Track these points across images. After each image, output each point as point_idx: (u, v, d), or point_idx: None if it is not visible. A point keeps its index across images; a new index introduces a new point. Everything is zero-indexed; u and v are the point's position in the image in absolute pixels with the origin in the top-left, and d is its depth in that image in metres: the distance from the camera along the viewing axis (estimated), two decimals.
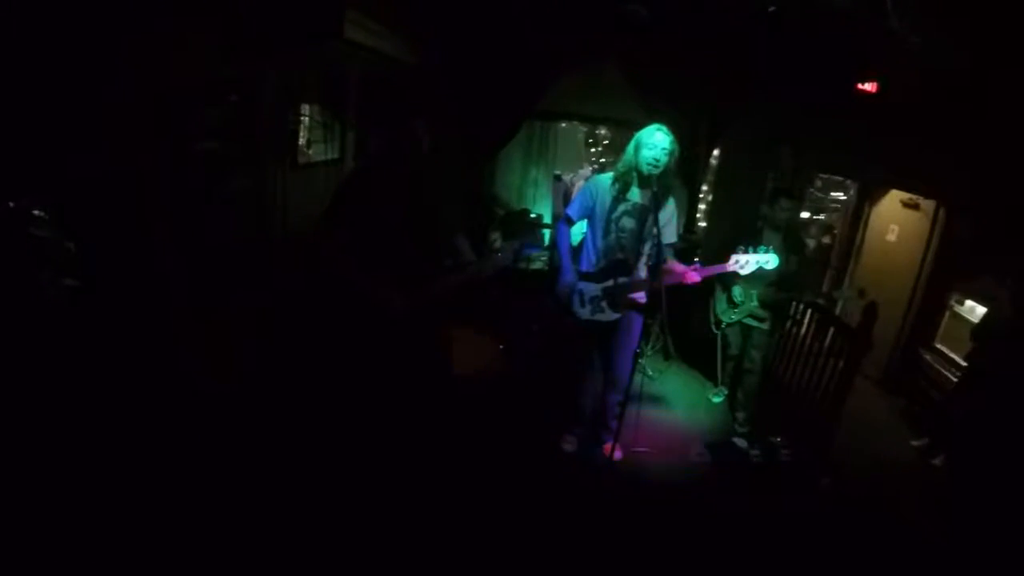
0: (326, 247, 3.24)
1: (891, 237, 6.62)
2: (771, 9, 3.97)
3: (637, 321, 3.87)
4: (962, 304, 5.61)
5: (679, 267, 3.76)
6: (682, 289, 3.85)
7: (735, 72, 5.86)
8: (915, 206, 6.26)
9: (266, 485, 3.37)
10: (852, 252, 7.24)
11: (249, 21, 3.15)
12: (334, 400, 3.65)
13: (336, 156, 4.52)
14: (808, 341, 5.17)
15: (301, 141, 3.99)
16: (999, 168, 4.86)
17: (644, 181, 3.72)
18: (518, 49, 5.94)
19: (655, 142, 3.63)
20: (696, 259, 3.79)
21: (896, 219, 6.57)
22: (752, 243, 3.84)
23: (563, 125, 8.55)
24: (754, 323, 4.84)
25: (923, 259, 6.00)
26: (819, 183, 8.62)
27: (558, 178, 8.29)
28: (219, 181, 3.15)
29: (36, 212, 1.99)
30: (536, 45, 5.91)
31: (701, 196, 7.27)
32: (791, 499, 4.19)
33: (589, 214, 3.93)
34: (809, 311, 5.29)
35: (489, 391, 5.08)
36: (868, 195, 7.07)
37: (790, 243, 4.68)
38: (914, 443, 5.11)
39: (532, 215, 7.46)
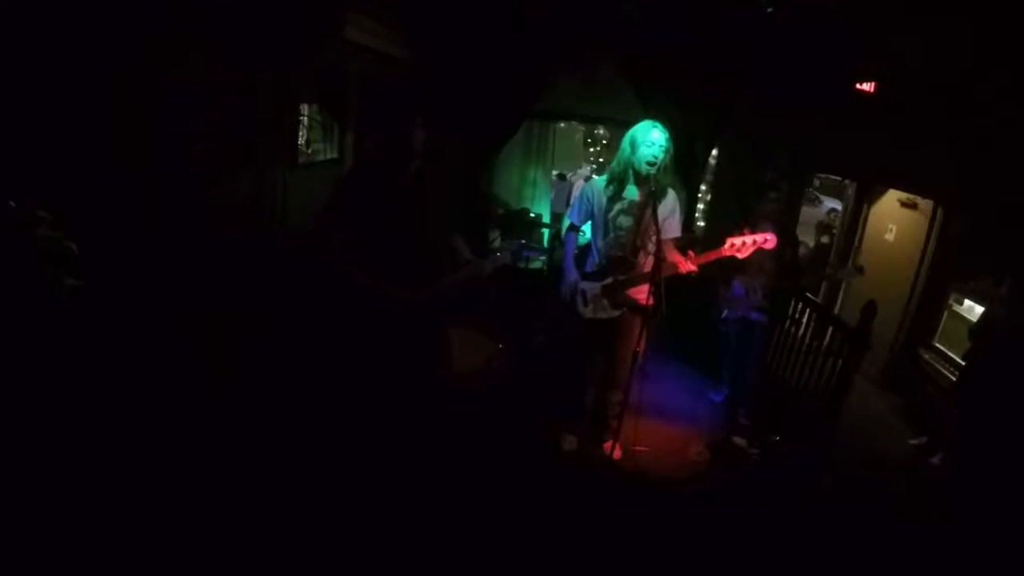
0: (325, 246, 3.25)
1: (889, 237, 6.63)
2: (768, 10, 3.98)
3: (637, 320, 3.87)
4: (961, 303, 5.62)
5: (674, 256, 3.72)
6: (682, 286, 3.85)
7: (733, 72, 5.87)
8: (913, 206, 6.27)
9: (267, 484, 3.38)
10: (851, 252, 7.25)
11: (249, 22, 3.15)
12: (335, 398, 3.65)
13: (335, 156, 4.53)
14: (807, 340, 5.18)
15: (300, 141, 3.99)
16: (997, 167, 4.87)
17: (641, 179, 3.72)
18: (517, 49, 5.95)
19: (652, 140, 3.63)
20: (690, 253, 3.76)
21: (894, 219, 6.58)
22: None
23: (561, 125, 8.56)
24: (756, 318, 4.84)
25: (921, 258, 6.01)
26: (817, 182, 8.64)
27: (562, 177, 8.30)
28: (219, 181, 3.16)
29: (38, 212, 2.00)
30: (534, 45, 5.92)
31: (700, 195, 7.29)
32: (791, 497, 4.20)
33: (590, 217, 3.94)
34: (808, 310, 5.30)
35: (488, 390, 5.08)
36: (866, 195, 7.08)
37: (784, 235, 4.69)
38: (913, 441, 5.12)
39: (531, 215, 7.47)
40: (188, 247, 2.91)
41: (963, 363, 5.02)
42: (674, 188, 3.90)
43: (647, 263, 3.81)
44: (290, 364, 3.89)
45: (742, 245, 3.67)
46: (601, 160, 9.16)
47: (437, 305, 3.51)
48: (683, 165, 6.49)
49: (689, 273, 3.69)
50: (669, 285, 3.59)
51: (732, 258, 3.73)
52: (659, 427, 4.79)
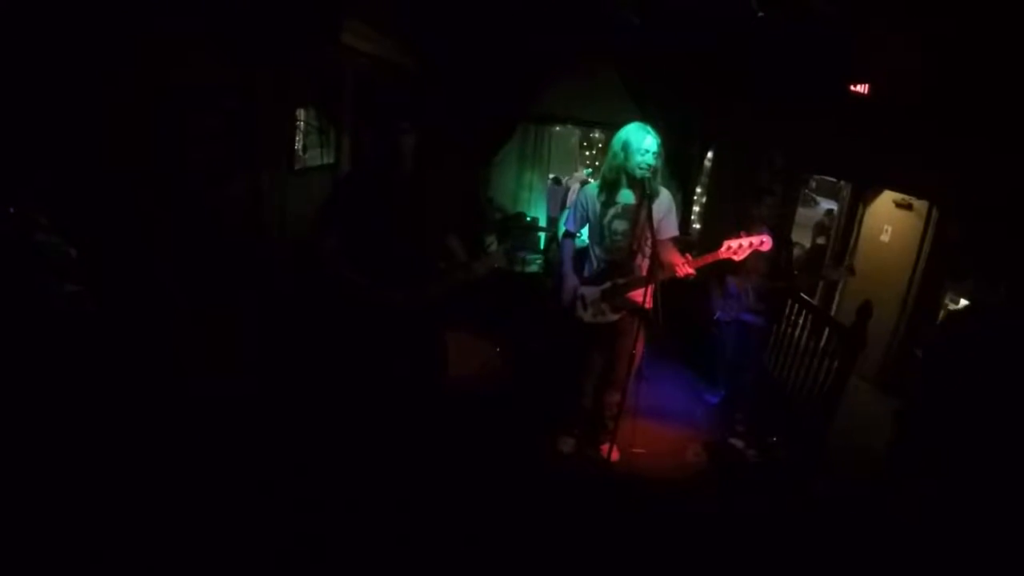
0: (320, 250, 3.27)
1: (885, 238, 6.65)
2: (759, 15, 4.00)
3: (635, 322, 3.88)
4: (956, 303, 5.64)
5: (673, 258, 3.70)
6: (678, 289, 3.86)
7: (728, 75, 5.90)
8: (908, 206, 6.29)
9: (266, 486, 3.38)
10: (847, 252, 7.27)
11: (246, 27, 3.17)
12: (332, 401, 3.66)
13: (332, 160, 4.54)
14: (804, 341, 5.19)
15: (297, 146, 4.00)
16: (991, 168, 4.89)
17: (635, 183, 3.73)
18: (513, 53, 5.97)
19: (647, 147, 3.64)
20: (688, 256, 3.75)
21: (890, 219, 6.60)
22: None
23: (558, 129, 8.58)
24: (751, 320, 4.85)
25: (917, 259, 6.03)
26: (813, 183, 8.67)
27: (557, 181, 8.32)
28: (217, 185, 3.17)
29: (37, 217, 2.01)
30: (530, 50, 5.94)
31: (696, 198, 7.31)
32: (787, 499, 4.21)
33: (586, 223, 3.96)
34: (804, 311, 5.31)
35: (485, 392, 5.08)
36: (861, 196, 7.10)
37: (779, 238, 4.71)
38: None
39: (527, 218, 7.49)
40: (187, 251, 2.92)
41: None
42: (667, 189, 3.90)
43: (644, 266, 3.82)
44: (288, 367, 3.89)
45: (739, 248, 3.67)
46: (597, 163, 9.18)
47: (433, 308, 3.52)
48: (679, 167, 6.53)
49: (687, 276, 3.69)
50: (666, 287, 3.61)
51: (728, 260, 3.73)
52: (656, 429, 4.79)
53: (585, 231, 4.06)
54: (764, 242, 3.73)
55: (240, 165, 3.41)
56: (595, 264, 3.94)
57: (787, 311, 5.43)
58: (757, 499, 4.17)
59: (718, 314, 4.96)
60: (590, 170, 8.94)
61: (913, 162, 5.33)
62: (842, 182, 7.64)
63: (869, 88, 5.40)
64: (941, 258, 5.83)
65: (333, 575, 3.06)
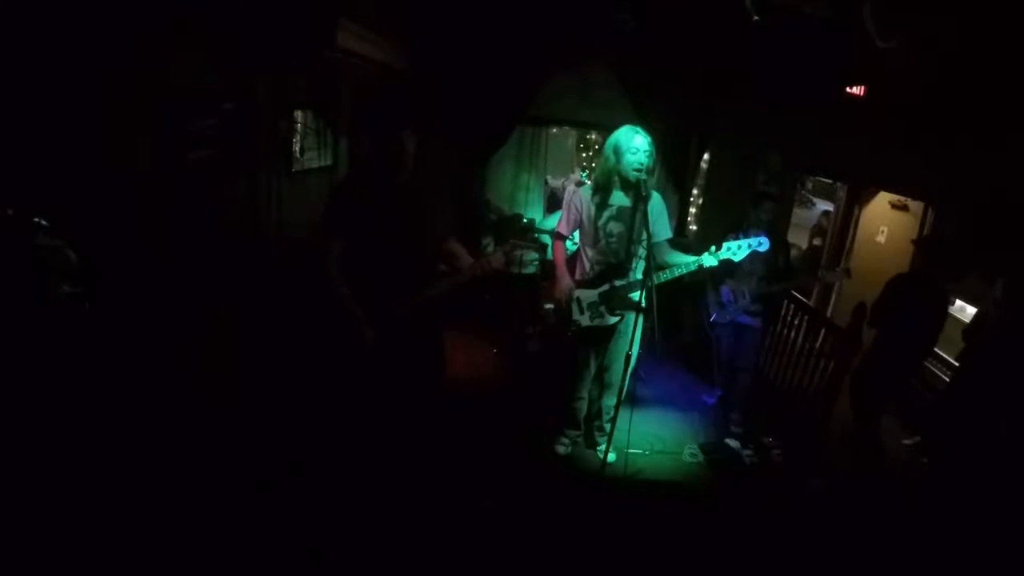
0: (322, 255, 3.28)
1: (881, 239, 6.67)
2: (755, 19, 4.02)
3: (631, 324, 3.90)
4: (952, 304, 5.65)
5: (679, 258, 3.77)
6: (674, 289, 3.88)
7: (724, 76, 5.92)
8: (904, 207, 6.31)
9: (264, 488, 3.39)
10: (843, 254, 7.29)
11: (243, 30, 3.18)
12: (330, 401, 3.67)
13: (329, 163, 4.54)
14: (800, 342, 5.21)
15: (295, 148, 4.01)
16: (986, 169, 4.90)
17: (628, 185, 3.75)
18: (509, 55, 5.98)
19: (637, 147, 3.66)
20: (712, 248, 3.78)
21: (885, 220, 6.62)
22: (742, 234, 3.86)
23: (554, 130, 8.59)
24: (747, 322, 4.88)
25: (912, 260, 6.04)
26: (810, 184, 8.69)
27: (545, 183, 8.35)
28: (215, 187, 3.17)
29: (36, 219, 2.01)
30: (527, 51, 5.96)
31: (692, 199, 7.32)
32: (783, 499, 4.22)
33: (578, 226, 3.97)
34: (800, 312, 5.33)
35: (483, 394, 5.10)
36: (857, 197, 7.12)
37: (776, 241, 4.73)
38: (906, 442, 5.15)
39: (524, 220, 7.49)
40: (185, 252, 2.92)
41: (956, 363, 5.05)
42: (663, 190, 3.93)
43: (638, 268, 3.85)
44: (286, 370, 3.90)
45: (738, 249, 3.70)
46: (593, 165, 9.18)
47: (431, 311, 3.53)
48: (675, 169, 6.54)
49: (709, 268, 3.75)
50: (662, 288, 3.62)
51: (728, 261, 3.75)
52: (653, 430, 4.81)
53: (576, 234, 4.07)
54: (762, 244, 3.76)
55: (238, 167, 3.41)
56: (589, 267, 3.95)
57: (783, 312, 5.45)
58: (753, 499, 4.19)
59: (714, 316, 4.99)
60: (584, 172, 8.94)
61: (909, 163, 5.34)
62: (838, 183, 7.66)
63: (865, 90, 5.42)
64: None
65: (331, 575, 3.08)
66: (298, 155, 4.06)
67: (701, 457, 4.59)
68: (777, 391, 5.24)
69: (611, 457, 4.03)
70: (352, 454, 3.63)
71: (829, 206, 11.08)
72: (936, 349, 5.72)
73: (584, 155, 9.46)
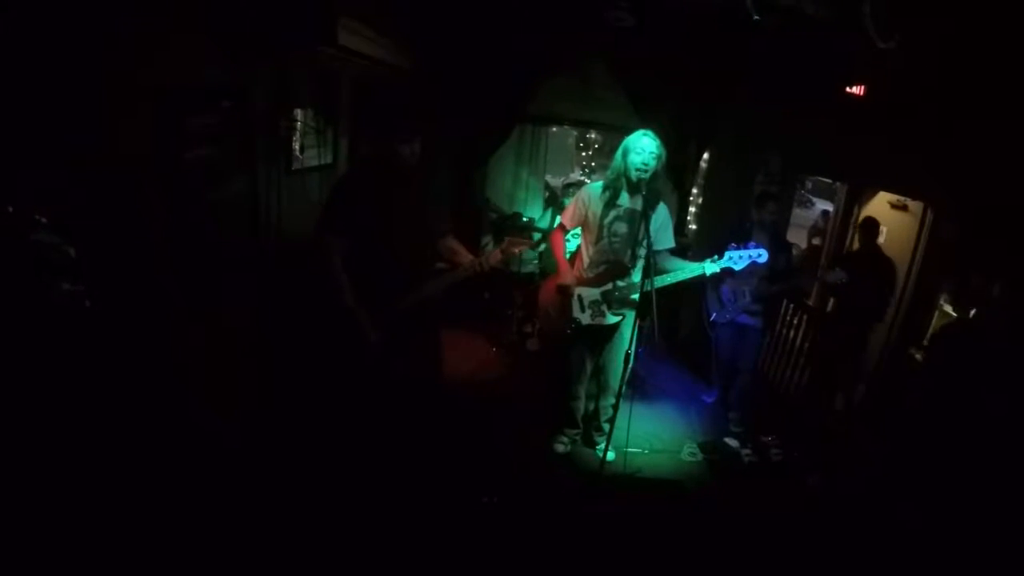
0: (324, 253, 3.29)
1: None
2: (755, 19, 4.02)
3: (630, 323, 3.91)
4: (951, 304, 5.66)
5: (679, 263, 3.81)
6: (674, 290, 3.89)
7: (724, 76, 5.92)
8: (903, 208, 6.31)
9: (263, 487, 3.39)
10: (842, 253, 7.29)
11: (243, 27, 3.17)
12: (329, 400, 3.67)
13: (329, 161, 4.54)
14: (799, 342, 5.22)
15: (295, 146, 4.01)
16: (986, 169, 4.91)
17: (633, 187, 3.77)
18: (509, 54, 5.98)
19: (643, 147, 3.69)
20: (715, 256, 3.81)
21: (885, 220, 6.61)
22: (743, 242, 3.88)
23: (554, 129, 8.59)
24: (747, 322, 4.88)
25: (912, 260, 6.05)
26: (809, 184, 8.69)
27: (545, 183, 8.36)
28: (214, 186, 3.17)
29: (36, 217, 2.01)
30: (527, 50, 5.95)
31: (691, 199, 7.32)
32: (782, 498, 4.23)
33: (582, 221, 3.98)
34: (800, 312, 5.33)
35: (481, 393, 5.10)
36: (857, 197, 7.12)
37: (778, 242, 4.74)
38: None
39: (524, 219, 7.50)
40: (184, 251, 2.92)
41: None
42: (664, 192, 3.94)
43: (639, 269, 3.86)
44: (286, 368, 3.90)
45: (739, 259, 3.75)
46: (593, 164, 9.20)
47: (429, 308, 3.54)
48: (675, 169, 6.53)
49: (713, 275, 3.80)
50: (662, 288, 3.63)
51: (729, 269, 3.80)
52: (652, 429, 4.82)
53: (577, 230, 4.09)
54: (762, 255, 3.79)
55: (238, 165, 3.41)
56: (588, 263, 3.97)
57: (783, 312, 5.45)
58: (752, 499, 4.20)
59: (714, 315, 4.99)
60: (584, 172, 8.94)
61: (908, 163, 5.34)
62: (838, 183, 7.66)
63: (865, 90, 5.42)
64: (936, 259, 5.84)
65: (330, 574, 3.08)
66: (298, 153, 4.06)
67: (700, 456, 4.60)
68: (776, 390, 5.25)
69: (610, 456, 4.04)
70: (351, 452, 3.63)
71: (829, 206, 11.11)
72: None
73: (584, 154, 9.47)
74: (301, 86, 4.00)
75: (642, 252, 3.81)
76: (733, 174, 6.63)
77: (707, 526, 3.77)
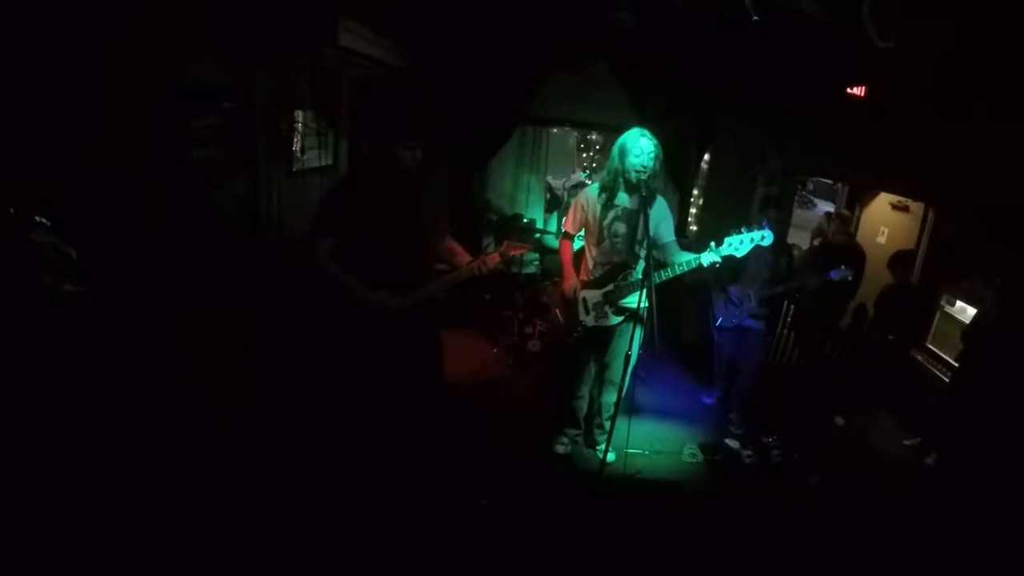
0: (318, 250, 3.30)
1: (881, 239, 6.67)
2: (754, 19, 4.02)
3: (631, 324, 3.90)
4: (952, 305, 5.65)
5: (686, 256, 3.74)
6: (674, 290, 3.89)
7: (724, 77, 5.92)
8: (904, 208, 6.31)
9: (264, 486, 3.39)
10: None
11: (244, 28, 3.18)
12: (329, 402, 3.68)
13: (330, 162, 4.54)
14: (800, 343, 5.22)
15: (295, 147, 4.01)
16: (987, 170, 4.91)
17: (631, 186, 3.76)
18: (510, 55, 5.99)
19: (641, 148, 3.67)
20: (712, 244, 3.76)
21: (886, 221, 6.62)
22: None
23: (555, 130, 8.59)
24: (750, 325, 4.88)
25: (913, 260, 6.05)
26: (811, 185, 8.69)
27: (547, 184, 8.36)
28: (216, 186, 3.18)
29: (36, 218, 2.01)
30: (527, 51, 5.96)
31: (692, 199, 7.32)
32: (783, 499, 4.22)
33: (584, 225, 3.99)
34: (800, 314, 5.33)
35: (482, 394, 5.10)
36: (858, 198, 7.12)
37: (779, 247, 4.74)
38: (906, 442, 5.14)
39: (524, 220, 7.50)
40: (185, 251, 2.93)
41: (956, 364, 5.05)
42: (665, 192, 3.93)
43: (641, 269, 3.86)
44: (286, 369, 3.91)
45: (740, 244, 3.67)
46: (595, 165, 9.19)
47: (430, 310, 3.54)
48: (676, 169, 6.54)
49: (712, 265, 3.69)
50: (663, 288, 3.63)
51: (731, 257, 3.72)
52: (652, 430, 4.82)
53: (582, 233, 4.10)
54: (765, 238, 3.71)
55: (238, 166, 3.42)
56: (592, 266, 3.97)
57: (784, 313, 5.45)
58: (753, 499, 4.19)
59: (719, 320, 4.99)
60: (586, 173, 8.94)
61: (909, 164, 5.34)
62: (839, 184, 7.66)
63: (865, 90, 5.42)
64: (937, 259, 5.84)
65: (330, 572, 3.08)
66: (299, 154, 4.06)
67: (700, 457, 4.59)
68: (777, 392, 5.24)
69: (610, 457, 4.04)
70: (352, 453, 3.63)
71: (830, 207, 11.11)
72: (934, 349, 5.74)
73: (585, 155, 9.46)
74: (302, 87, 4.01)
75: (643, 252, 3.81)
76: (734, 175, 6.63)
77: (707, 527, 3.76)
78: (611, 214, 3.86)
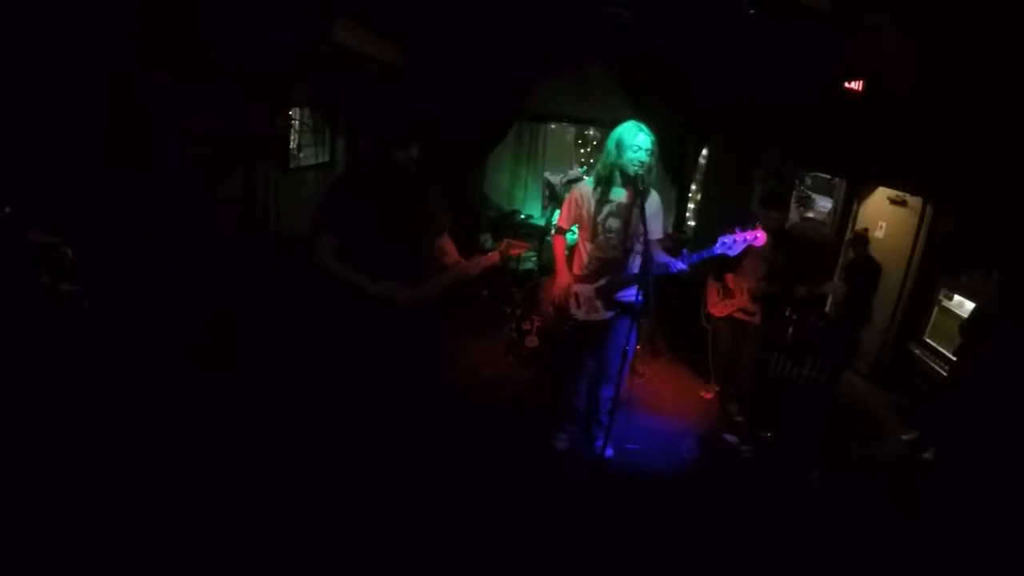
0: (318, 247, 3.29)
1: (879, 234, 6.66)
2: (751, 12, 4.02)
3: (628, 319, 3.90)
4: (951, 299, 5.66)
5: (664, 258, 3.74)
6: (672, 284, 3.88)
7: (722, 72, 5.91)
8: (902, 203, 6.30)
9: (264, 484, 3.39)
10: (841, 249, 7.29)
11: (239, 26, 3.18)
12: (330, 399, 3.67)
13: (327, 159, 4.55)
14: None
15: (292, 145, 4.01)
16: (985, 163, 4.90)
17: (627, 180, 3.75)
18: (506, 51, 5.98)
19: (638, 143, 3.66)
20: (684, 251, 3.76)
21: (884, 216, 6.61)
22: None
23: (552, 126, 8.58)
24: (745, 318, 4.88)
25: (911, 255, 6.05)
26: (809, 180, 8.69)
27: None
28: (213, 184, 3.18)
29: (34, 217, 2.01)
30: (524, 47, 5.95)
31: (690, 195, 7.32)
32: (781, 494, 4.23)
33: (577, 220, 3.97)
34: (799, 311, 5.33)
35: (481, 390, 5.10)
36: (856, 192, 7.11)
37: (779, 244, 4.73)
38: (904, 437, 5.15)
39: (522, 216, 7.50)
40: (183, 250, 2.93)
41: (954, 358, 5.06)
42: (661, 188, 3.92)
43: (636, 263, 3.85)
44: (286, 366, 3.91)
45: (733, 243, 3.67)
46: (592, 161, 9.17)
47: (431, 307, 3.54)
48: (673, 165, 6.54)
49: (680, 272, 3.70)
50: (660, 284, 3.62)
51: (723, 256, 3.72)
52: (650, 425, 4.82)
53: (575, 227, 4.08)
54: (758, 237, 3.72)
55: (235, 164, 3.41)
56: (587, 260, 3.96)
57: (782, 309, 5.44)
58: (751, 494, 4.19)
59: (714, 310, 5.00)
60: (583, 168, 8.93)
61: (907, 158, 5.34)
62: (837, 179, 7.65)
63: (863, 84, 5.41)
64: (936, 254, 5.84)
65: (330, 574, 3.08)
66: (295, 152, 4.06)
67: (698, 452, 4.59)
68: (776, 386, 5.24)
69: (609, 452, 4.03)
70: (351, 449, 3.63)
71: (828, 203, 11.09)
72: (932, 343, 5.75)
73: (583, 151, 9.44)
74: (298, 85, 4.01)
75: (637, 246, 3.80)
76: (732, 170, 6.63)
77: (706, 522, 3.76)
78: (606, 209, 3.84)
